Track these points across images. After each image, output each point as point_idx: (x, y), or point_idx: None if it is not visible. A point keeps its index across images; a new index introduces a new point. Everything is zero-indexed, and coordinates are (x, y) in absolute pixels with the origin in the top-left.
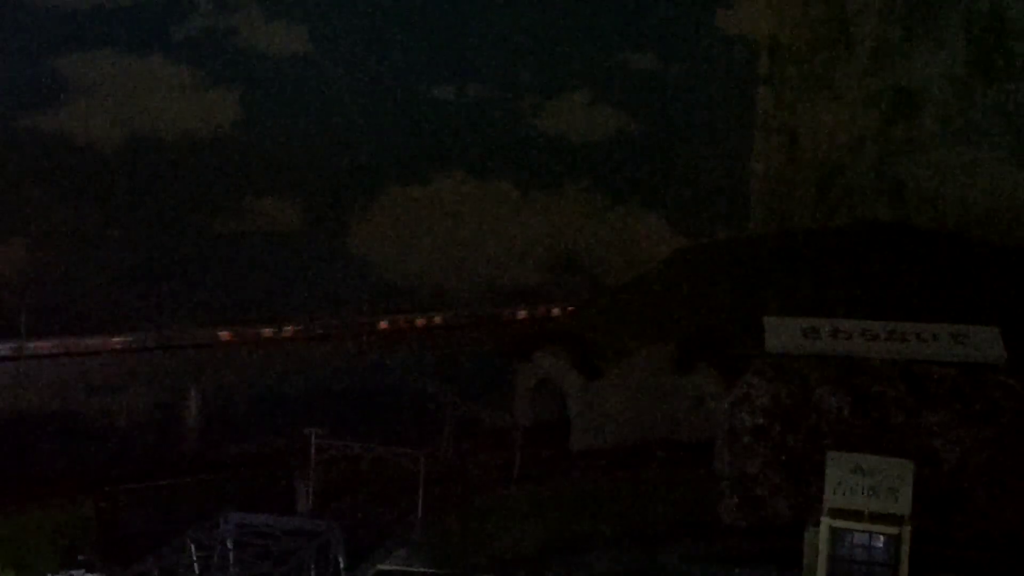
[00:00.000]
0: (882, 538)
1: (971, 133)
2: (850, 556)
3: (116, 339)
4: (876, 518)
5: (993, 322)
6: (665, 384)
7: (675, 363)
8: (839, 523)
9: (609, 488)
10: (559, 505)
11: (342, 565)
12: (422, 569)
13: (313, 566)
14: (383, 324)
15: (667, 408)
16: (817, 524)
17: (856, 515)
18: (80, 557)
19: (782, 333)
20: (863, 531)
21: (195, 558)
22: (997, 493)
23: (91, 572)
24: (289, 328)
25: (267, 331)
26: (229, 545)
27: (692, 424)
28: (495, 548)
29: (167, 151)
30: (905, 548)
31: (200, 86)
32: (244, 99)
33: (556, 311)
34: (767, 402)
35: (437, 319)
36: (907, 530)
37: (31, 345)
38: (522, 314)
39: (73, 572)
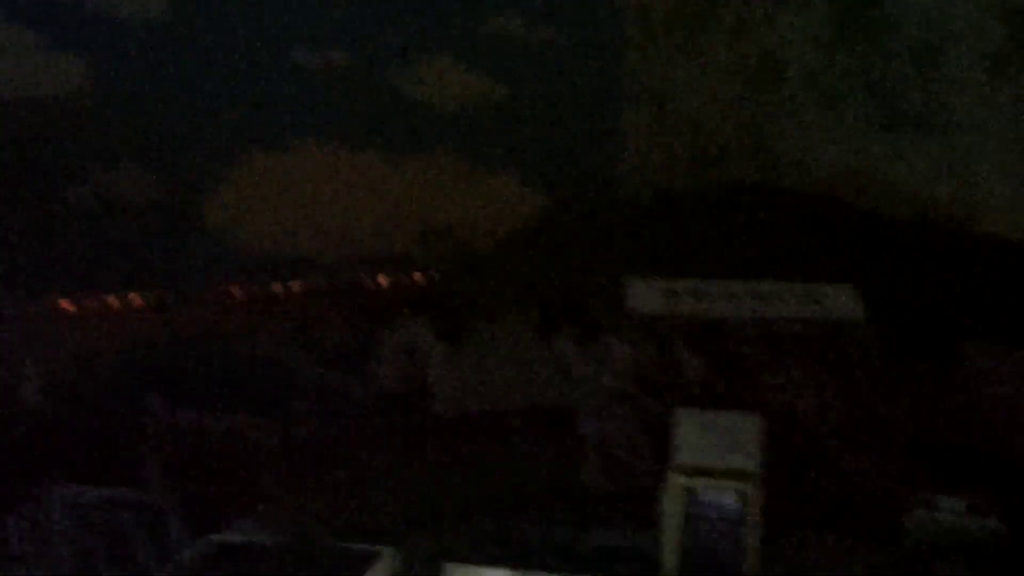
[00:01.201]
0: (733, 495)
1: (835, 97)
2: (701, 515)
3: None
4: (726, 475)
5: (854, 281)
6: (528, 349)
7: (537, 328)
8: (688, 481)
9: (470, 456)
10: (416, 474)
11: (175, 537)
12: (263, 540)
13: (147, 540)
14: (238, 293)
15: (531, 374)
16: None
17: (706, 472)
18: None
19: (643, 295)
20: (713, 488)
21: (19, 534)
22: (853, 449)
23: None
24: (136, 297)
25: (113, 301)
26: (55, 519)
27: (556, 389)
28: (344, 520)
29: (11, 117)
30: (756, 504)
31: (48, 49)
32: (95, 64)
33: (420, 277)
34: (628, 364)
35: (295, 287)
36: (757, 486)
37: None
38: (385, 281)
39: None
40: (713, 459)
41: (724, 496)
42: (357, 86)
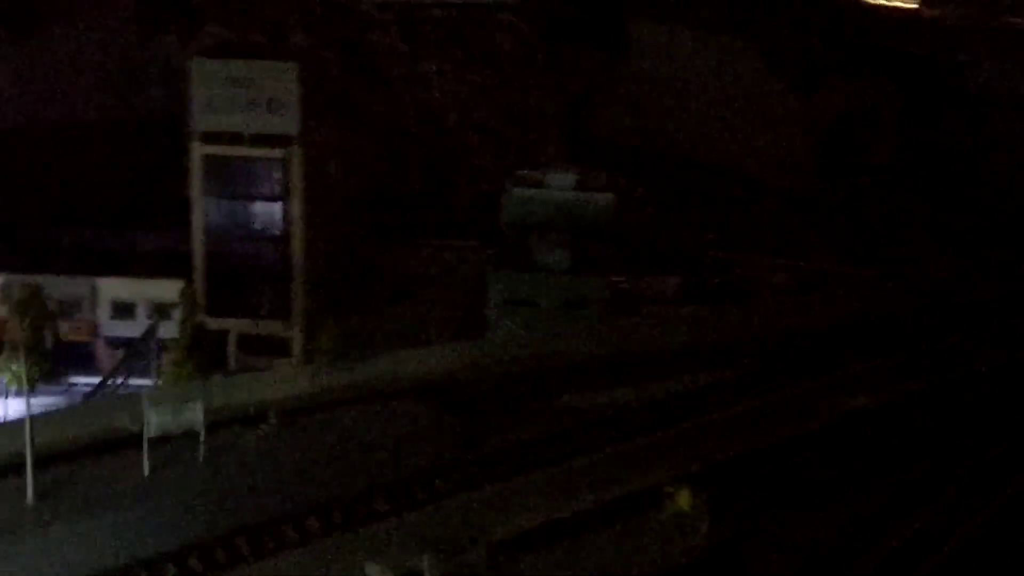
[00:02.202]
0: (267, 164)
1: None
2: (231, 191)
3: None
4: (258, 140)
5: None
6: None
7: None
8: (213, 149)
9: None
10: None
11: None
12: None
13: None
14: None
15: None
16: None
17: (233, 138)
18: None
19: None
20: (243, 157)
21: None
22: (494, 142)
23: None
24: None
25: None
26: None
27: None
28: None
29: None
30: (297, 174)
31: None
32: None
33: None
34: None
35: None
36: (297, 151)
37: None
38: None
39: None
40: (243, 121)
41: (258, 166)
42: None
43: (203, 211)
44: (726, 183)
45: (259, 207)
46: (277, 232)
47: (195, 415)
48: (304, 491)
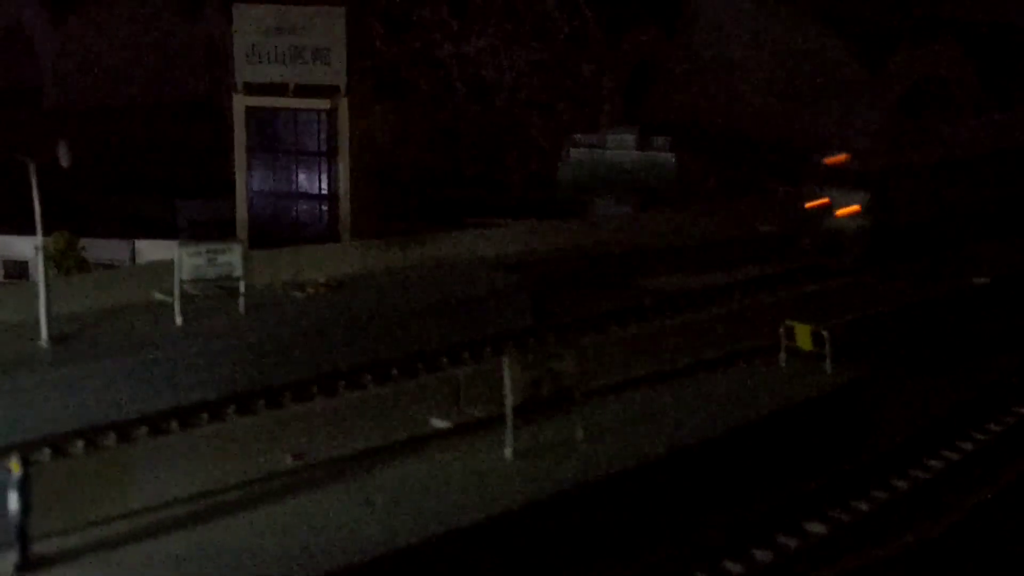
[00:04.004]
0: (313, 116)
1: None
2: (272, 142)
3: None
4: (304, 91)
5: None
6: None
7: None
8: (255, 101)
9: None
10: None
11: None
12: None
13: None
14: None
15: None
16: None
17: (277, 89)
18: None
19: None
20: (287, 109)
21: None
22: (547, 119)
23: None
24: None
25: None
26: None
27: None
28: None
29: None
30: (344, 128)
31: None
32: None
33: None
34: None
35: None
36: (343, 103)
37: None
38: None
39: None
40: (286, 71)
41: (301, 118)
42: None
43: (246, 167)
44: (791, 160)
45: (304, 163)
46: (323, 190)
47: (234, 259)
48: (359, 348)
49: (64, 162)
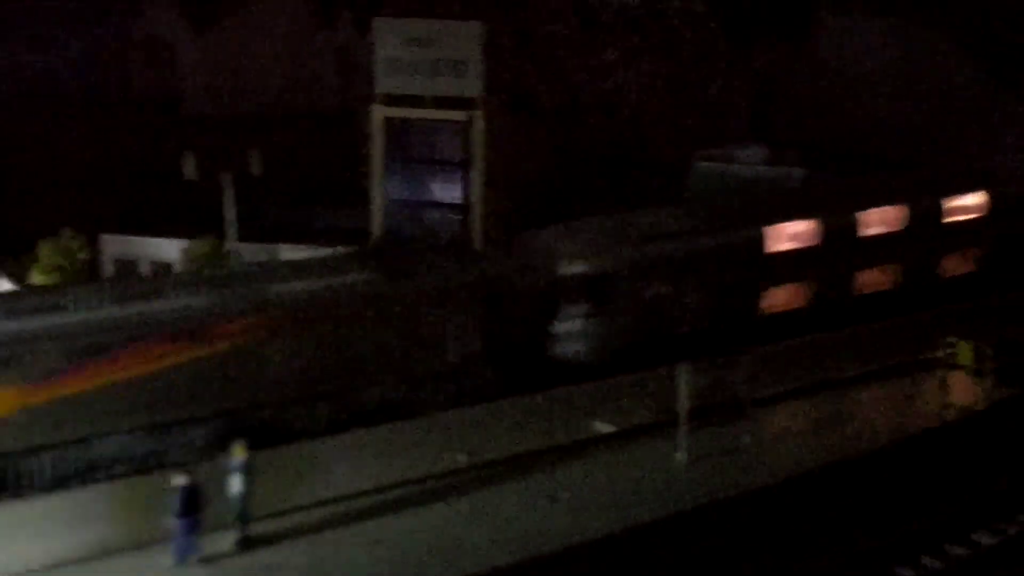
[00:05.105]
0: (448, 127)
1: None
2: (409, 153)
3: None
4: (440, 103)
5: None
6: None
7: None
8: (393, 112)
9: None
10: None
11: None
12: None
13: None
14: None
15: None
16: None
17: (414, 100)
18: None
19: None
20: (423, 119)
21: None
22: (673, 133)
23: None
24: None
25: None
26: None
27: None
28: None
29: None
30: (478, 140)
31: None
32: None
33: None
34: None
35: None
36: (478, 115)
37: None
38: None
39: None
40: (423, 84)
41: (437, 129)
42: None
43: (382, 176)
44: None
45: (439, 173)
46: (457, 199)
47: None
48: None
49: (255, 170)
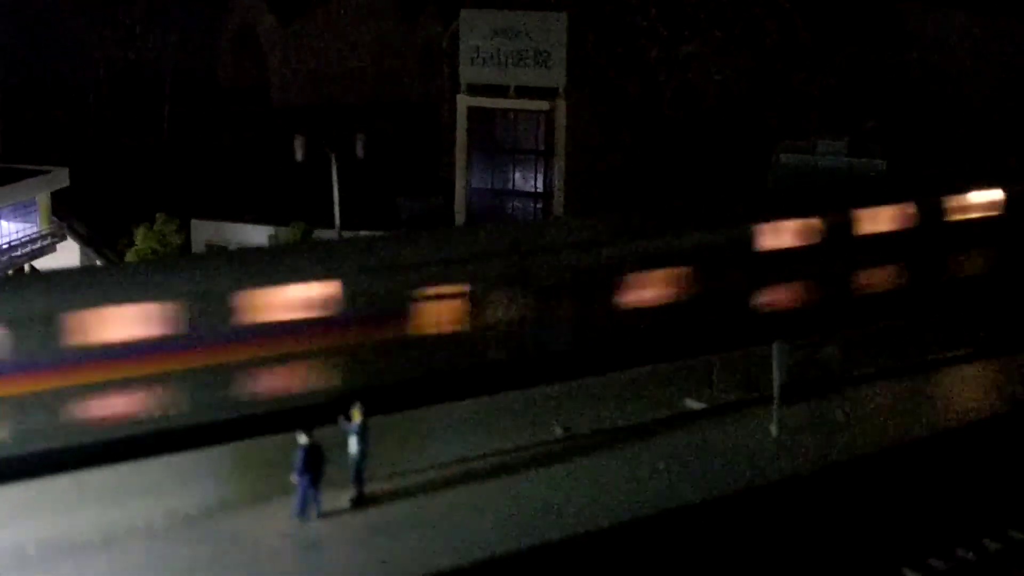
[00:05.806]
0: (532, 117)
1: None
2: (492, 141)
3: None
4: (523, 93)
5: None
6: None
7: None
8: (478, 101)
9: None
10: None
11: None
12: None
13: None
14: None
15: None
16: None
17: (498, 90)
18: None
19: None
20: (507, 109)
21: None
22: (754, 125)
23: None
24: None
25: None
26: None
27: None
28: None
29: None
30: (561, 130)
31: None
32: None
33: None
34: None
35: None
36: (561, 105)
37: None
38: None
39: None
40: (508, 74)
41: (520, 119)
42: None
43: (466, 165)
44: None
45: (521, 161)
46: (539, 188)
47: None
48: None
49: (359, 153)
